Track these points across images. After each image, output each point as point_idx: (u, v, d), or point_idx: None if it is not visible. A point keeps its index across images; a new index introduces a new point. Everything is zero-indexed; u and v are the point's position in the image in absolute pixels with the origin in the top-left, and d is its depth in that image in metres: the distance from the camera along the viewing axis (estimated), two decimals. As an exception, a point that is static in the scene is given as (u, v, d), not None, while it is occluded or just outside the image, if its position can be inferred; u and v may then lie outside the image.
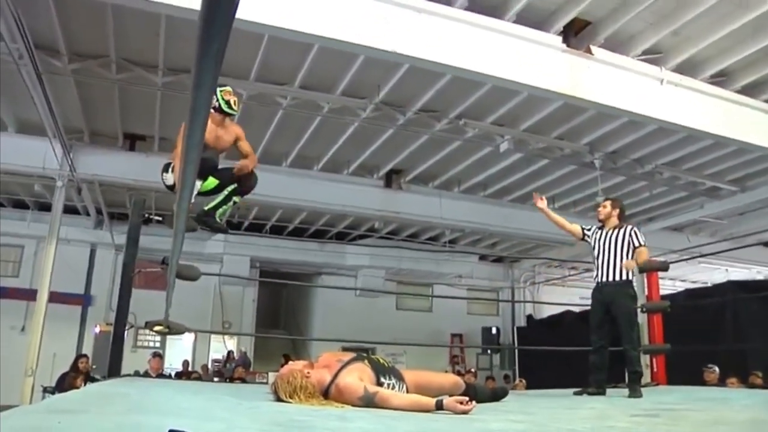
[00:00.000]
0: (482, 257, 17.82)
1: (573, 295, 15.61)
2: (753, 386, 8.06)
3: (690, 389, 5.26)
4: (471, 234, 15.14)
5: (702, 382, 8.20)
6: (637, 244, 5.28)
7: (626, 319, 5.14)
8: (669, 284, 15.79)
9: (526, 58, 6.69)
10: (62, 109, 9.00)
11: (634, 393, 4.83)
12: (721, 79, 7.95)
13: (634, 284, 5.46)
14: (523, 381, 12.13)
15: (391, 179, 12.07)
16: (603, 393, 5.14)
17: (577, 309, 14.41)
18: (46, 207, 12.56)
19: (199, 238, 14.89)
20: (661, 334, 6.79)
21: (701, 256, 12.98)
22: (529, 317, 17.73)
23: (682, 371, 7.29)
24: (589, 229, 5.59)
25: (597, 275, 5.39)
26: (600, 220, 5.53)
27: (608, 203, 5.56)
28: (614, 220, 5.46)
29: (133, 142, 10.60)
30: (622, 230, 5.36)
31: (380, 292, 15.73)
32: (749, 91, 8.10)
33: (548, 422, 2.48)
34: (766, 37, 7.06)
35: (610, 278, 5.26)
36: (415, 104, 9.05)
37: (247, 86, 8.48)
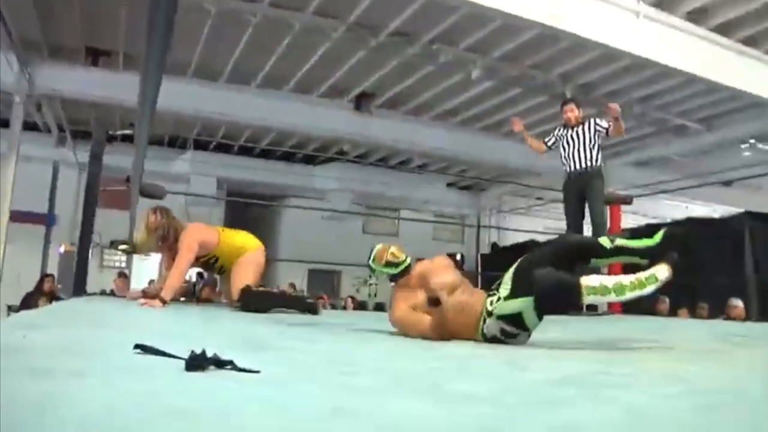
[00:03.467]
0: (450, 184, 17.92)
1: (538, 225, 15.83)
2: (699, 317, 8.40)
3: (641, 318, 5.46)
4: (439, 160, 15.15)
5: (654, 313, 8.51)
6: (605, 124, 5.65)
7: (598, 195, 5.56)
8: (631, 218, 16.09)
9: (503, -16, 6.57)
10: (16, 19, 8.55)
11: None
12: (697, 16, 7.89)
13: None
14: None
15: (361, 102, 11.92)
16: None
17: (541, 238, 14.64)
18: (4, 124, 12.16)
19: (165, 158, 14.64)
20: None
21: (663, 192, 13.21)
22: (494, 245, 17.99)
23: (637, 302, 7.55)
24: (549, 139, 5.95)
25: (568, 166, 5.72)
26: (571, 125, 5.79)
27: (573, 106, 5.91)
28: (578, 119, 5.82)
29: (96, 57, 10.20)
30: (586, 123, 5.72)
31: (347, 213, 15.72)
32: (724, 29, 8.09)
33: (507, 346, 2.56)
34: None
35: (584, 165, 5.61)
36: (387, 27, 8.85)
37: (216, 2, 8.20)
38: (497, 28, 8.54)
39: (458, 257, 17.53)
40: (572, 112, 5.81)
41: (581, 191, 5.62)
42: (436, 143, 12.81)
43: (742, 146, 12.31)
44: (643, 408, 1.21)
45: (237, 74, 10.64)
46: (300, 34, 8.98)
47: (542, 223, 16.85)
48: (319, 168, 16.12)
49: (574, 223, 5.69)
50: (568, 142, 5.73)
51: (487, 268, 16.58)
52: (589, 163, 5.61)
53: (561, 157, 5.82)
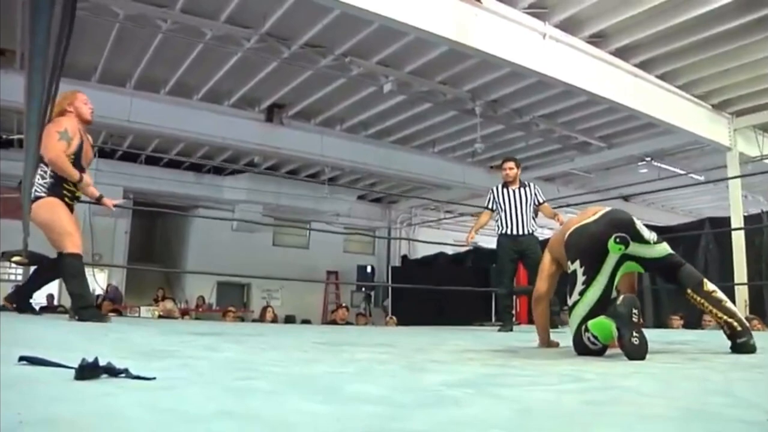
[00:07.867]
0: (361, 197, 17.99)
1: (447, 238, 16.11)
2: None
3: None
4: (351, 173, 15.19)
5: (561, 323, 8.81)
6: (540, 200, 6.15)
7: (538, 260, 5.79)
8: (537, 231, 16.59)
9: (415, 0, 6.67)
10: None
11: (506, 328, 5.48)
12: (598, 39, 8.26)
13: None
14: (394, 318, 12.49)
15: (272, 113, 11.81)
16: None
17: (450, 251, 14.89)
18: None
19: (66, 165, 14.01)
20: (525, 276, 7.21)
21: (568, 206, 13.72)
22: (404, 257, 18.17)
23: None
24: (488, 202, 6.28)
25: (507, 227, 6.04)
26: (509, 181, 6.16)
27: (513, 164, 6.23)
28: (518, 179, 6.20)
29: (-9, 57, 9.67)
30: (526, 189, 6.14)
31: (257, 224, 15.49)
32: (622, 53, 8.51)
33: (412, 354, 2.59)
34: (639, 4, 7.41)
35: (523, 231, 6.00)
36: (300, 38, 8.82)
37: (125, 5, 7.93)
38: (409, 43, 8.66)
39: (369, 269, 17.61)
40: (512, 170, 6.15)
41: (519, 254, 5.99)
42: (348, 156, 12.87)
43: (640, 164, 13.00)
44: (533, 405, 1.25)
45: (145, 81, 10.33)
46: (212, 43, 8.82)
47: (452, 235, 17.16)
48: (229, 179, 15.84)
49: (510, 283, 6.05)
50: (508, 203, 6.06)
51: (398, 280, 16.79)
52: (528, 229, 6.01)
53: (499, 217, 6.11)
